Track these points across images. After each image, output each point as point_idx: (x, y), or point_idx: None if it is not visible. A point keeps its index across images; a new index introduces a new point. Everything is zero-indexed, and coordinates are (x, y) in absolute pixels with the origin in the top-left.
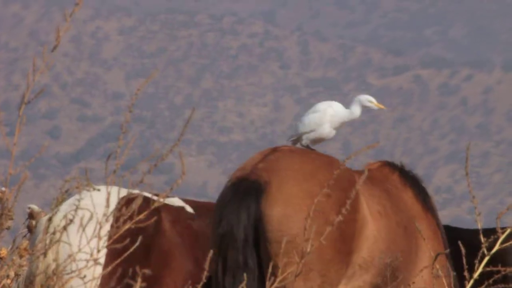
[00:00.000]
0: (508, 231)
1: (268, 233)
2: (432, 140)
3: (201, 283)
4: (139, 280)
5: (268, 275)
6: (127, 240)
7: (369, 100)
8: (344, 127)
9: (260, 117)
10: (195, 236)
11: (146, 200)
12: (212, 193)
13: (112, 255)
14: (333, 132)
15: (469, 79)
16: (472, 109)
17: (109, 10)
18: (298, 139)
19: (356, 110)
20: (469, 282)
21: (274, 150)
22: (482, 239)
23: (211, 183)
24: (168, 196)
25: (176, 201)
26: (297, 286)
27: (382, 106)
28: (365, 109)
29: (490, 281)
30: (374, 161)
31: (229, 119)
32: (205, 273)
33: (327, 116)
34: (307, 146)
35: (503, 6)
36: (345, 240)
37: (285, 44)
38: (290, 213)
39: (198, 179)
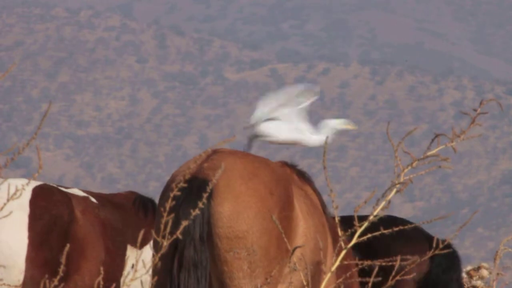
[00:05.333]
0: (365, 224)
1: (219, 229)
2: None
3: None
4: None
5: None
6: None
7: (344, 124)
8: (200, 121)
9: (117, 111)
10: (103, 226)
11: (59, 191)
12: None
13: (33, 244)
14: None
15: (325, 73)
16: (328, 103)
17: None
18: (253, 137)
19: (322, 138)
20: (326, 274)
21: (215, 151)
22: (340, 232)
23: (68, 176)
24: (67, 187)
25: (77, 192)
26: (244, 283)
27: (354, 127)
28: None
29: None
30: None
31: (86, 113)
32: (62, 267)
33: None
34: (250, 141)
35: (359, 1)
36: (287, 238)
37: (142, 37)
38: (239, 210)
39: (55, 173)
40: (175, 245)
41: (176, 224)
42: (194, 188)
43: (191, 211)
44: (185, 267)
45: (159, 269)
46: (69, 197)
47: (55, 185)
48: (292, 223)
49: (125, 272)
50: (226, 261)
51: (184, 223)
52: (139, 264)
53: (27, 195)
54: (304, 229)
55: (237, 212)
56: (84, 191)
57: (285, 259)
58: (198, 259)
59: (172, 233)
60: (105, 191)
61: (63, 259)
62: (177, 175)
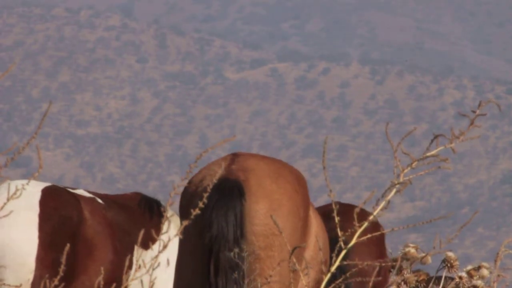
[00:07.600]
0: (365, 224)
1: (255, 226)
2: (289, 134)
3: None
4: (62, 268)
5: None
6: (56, 229)
7: None
8: (200, 121)
9: (117, 110)
10: (111, 226)
11: (68, 192)
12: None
13: (43, 244)
14: None
15: (326, 72)
16: (329, 102)
17: None
18: None
19: None
20: (326, 275)
21: (236, 154)
22: (339, 232)
23: (68, 176)
24: (73, 188)
25: (83, 193)
26: (274, 281)
27: None
28: None
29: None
30: None
31: (87, 112)
32: (62, 266)
33: None
34: None
35: (359, 1)
36: (305, 236)
37: (142, 37)
38: (274, 208)
39: (55, 172)
40: (209, 248)
41: (209, 228)
42: (226, 189)
43: (224, 214)
44: (222, 270)
45: (189, 271)
46: (77, 198)
47: (62, 186)
48: (309, 221)
49: (131, 272)
50: (259, 258)
51: (185, 223)
52: (139, 264)
53: (37, 195)
54: (315, 228)
55: (272, 210)
56: (89, 192)
57: (301, 257)
58: (234, 262)
59: (203, 236)
60: (106, 191)
61: (63, 259)
62: (202, 179)
